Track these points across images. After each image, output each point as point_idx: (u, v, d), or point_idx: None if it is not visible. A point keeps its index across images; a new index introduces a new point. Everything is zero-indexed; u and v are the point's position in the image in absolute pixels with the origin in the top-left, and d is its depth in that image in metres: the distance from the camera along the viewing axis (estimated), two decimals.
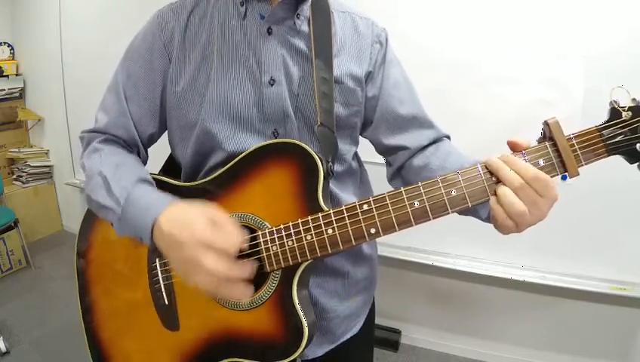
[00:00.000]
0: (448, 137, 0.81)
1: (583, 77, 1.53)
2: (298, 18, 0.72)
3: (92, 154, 0.74)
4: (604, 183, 1.52)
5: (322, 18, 0.72)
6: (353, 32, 0.76)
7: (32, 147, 3.41)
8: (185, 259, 0.58)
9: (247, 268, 0.58)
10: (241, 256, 0.65)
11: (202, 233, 0.56)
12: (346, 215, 0.60)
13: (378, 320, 0.96)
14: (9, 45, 3.30)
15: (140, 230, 0.63)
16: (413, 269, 2.02)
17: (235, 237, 0.57)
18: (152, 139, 0.81)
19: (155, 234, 0.61)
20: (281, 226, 0.62)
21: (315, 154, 0.63)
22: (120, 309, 0.75)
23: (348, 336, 0.83)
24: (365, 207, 0.59)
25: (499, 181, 0.55)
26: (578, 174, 0.55)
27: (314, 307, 0.72)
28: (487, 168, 0.56)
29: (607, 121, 0.55)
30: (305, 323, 0.62)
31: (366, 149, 0.85)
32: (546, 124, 0.56)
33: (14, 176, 3.28)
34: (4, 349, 2.06)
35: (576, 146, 0.55)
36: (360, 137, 0.83)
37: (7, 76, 3.23)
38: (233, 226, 0.58)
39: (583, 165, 0.55)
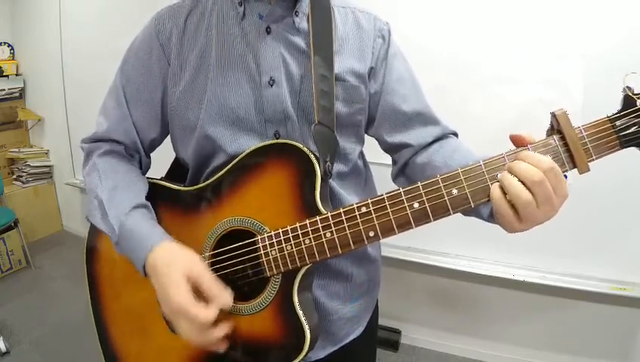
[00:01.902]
0: (456, 134, 0.79)
1: (583, 76, 1.53)
2: (297, 16, 0.70)
3: (91, 173, 0.74)
4: (604, 183, 1.52)
5: (322, 14, 0.71)
6: (355, 28, 0.74)
7: (32, 147, 3.41)
8: (165, 312, 0.62)
9: (219, 332, 0.60)
10: (241, 261, 0.65)
11: (176, 301, 0.58)
12: (344, 218, 0.58)
13: (378, 320, 0.96)
14: (9, 45, 3.30)
15: (133, 262, 0.66)
16: (413, 269, 2.02)
17: (208, 312, 0.58)
18: (154, 144, 0.81)
19: (147, 272, 0.64)
20: (280, 230, 0.62)
21: (312, 155, 0.62)
22: (128, 311, 0.75)
23: (350, 338, 0.82)
24: (363, 209, 0.58)
25: (502, 175, 0.52)
26: (589, 170, 0.51)
27: (316, 309, 0.71)
28: (492, 165, 0.53)
29: (620, 111, 0.51)
30: (307, 328, 0.61)
31: (369, 149, 0.84)
32: (553, 115, 0.52)
33: (14, 176, 3.28)
34: (4, 349, 2.06)
35: (587, 139, 0.51)
36: (365, 136, 0.82)
37: (7, 76, 3.23)
38: (214, 293, 0.59)
39: (593, 159, 0.51)
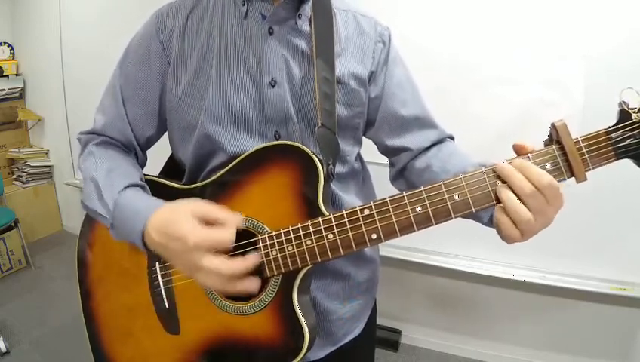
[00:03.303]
0: (452, 138, 0.80)
1: (584, 77, 1.53)
2: (300, 18, 0.71)
3: (87, 158, 0.74)
4: (604, 183, 1.52)
5: (324, 17, 0.71)
6: (356, 31, 0.75)
7: (32, 147, 3.41)
8: (184, 264, 0.59)
9: (250, 260, 0.58)
10: (241, 253, 0.65)
11: (193, 238, 0.56)
12: (346, 220, 0.59)
13: (378, 320, 0.96)
14: (9, 45, 3.30)
15: (131, 237, 0.64)
16: (413, 269, 2.03)
17: (226, 231, 0.57)
18: (150, 142, 0.81)
19: (147, 242, 0.62)
20: (281, 231, 0.62)
21: (316, 157, 0.62)
22: (121, 312, 0.74)
23: (349, 338, 0.82)
24: (366, 211, 0.58)
25: (504, 183, 0.54)
26: (586, 179, 0.53)
27: (315, 309, 0.72)
28: (493, 172, 0.54)
29: (616, 124, 0.53)
30: (306, 329, 0.61)
31: (367, 149, 0.85)
32: (553, 126, 0.54)
33: (14, 176, 3.28)
34: (4, 349, 2.07)
35: (584, 150, 0.53)
36: (362, 138, 0.83)
37: (7, 76, 3.23)
38: (223, 216, 0.58)
39: (590, 169, 0.53)
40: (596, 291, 1.65)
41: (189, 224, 0.57)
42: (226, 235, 0.57)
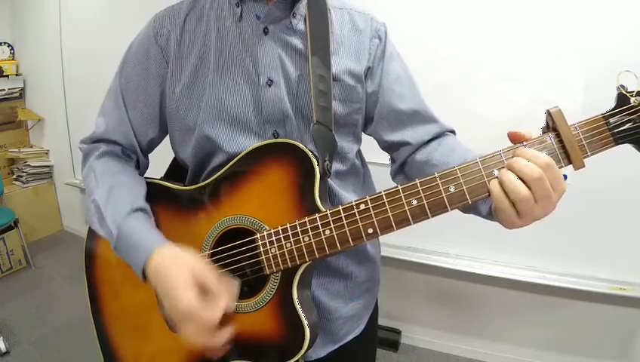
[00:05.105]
0: (453, 132, 0.80)
1: (584, 75, 1.53)
2: (294, 17, 0.71)
3: (88, 175, 0.74)
4: (604, 183, 1.52)
5: (319, 16, 0.72)
6: (351, 29, 0.75)
7: (32, 147, 3.42)
8: (169, 315, 0.61)
9: (225, 336, 0.60)
10: (240, 259, 0.66)
11: (182, 307, 0.57)
12: (342, 215, 0.59)
13: (378, 321, 0.96)
14: (9, 45, 3.31)
15: (132, 266, 0.65)
16: (413, 269, 2.02)
17: (214, 312, 0.57)
18: (152, 144, 0.81)
19: (147, 276, 0.63)
20: (279, 228, 0.62)
21: (311, 154, 0.63)
22: (127, 311, 0.75)
23: (351, 337, 0.82)
24: (362, 206, 0.58)
25: (501, 172, 0.53)
26: (584, 166, 0.52)
27: (317, 308, 0.72)
28: (489, 161, 0.54)
29: (613, 108, 0.52)
30: (306, 325, 0.61)
31: (367, 149, 0.84)
32: (548, 113, 0.53)
33: (14, 176, 3.29)
34: (4, 349, 2.07)
35: (581, 136, 0.52)
36: (362, 136, 0.82)
37: (7, 76, 3.24)
38: (218, 291, 0.59)
39: (588, 156, 0.52)
40: (596, 291, 1.65)
41: (186, 288, 0.58)
42: (213, 317, 0.57)
